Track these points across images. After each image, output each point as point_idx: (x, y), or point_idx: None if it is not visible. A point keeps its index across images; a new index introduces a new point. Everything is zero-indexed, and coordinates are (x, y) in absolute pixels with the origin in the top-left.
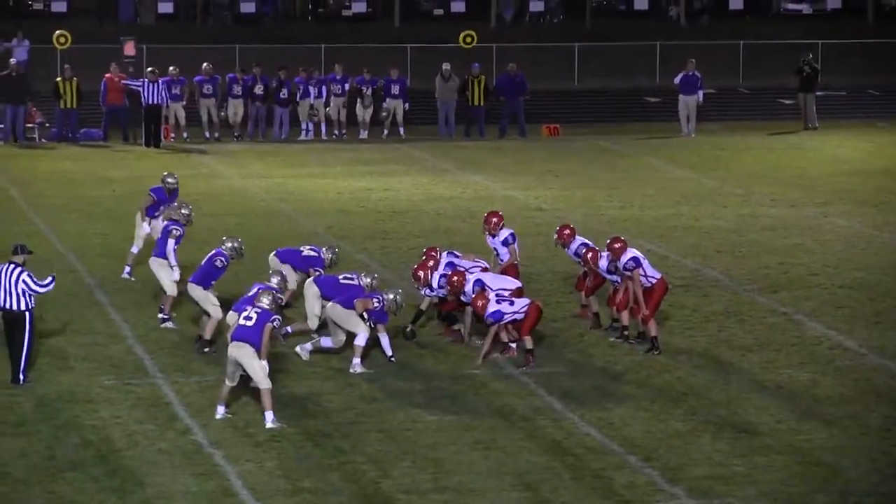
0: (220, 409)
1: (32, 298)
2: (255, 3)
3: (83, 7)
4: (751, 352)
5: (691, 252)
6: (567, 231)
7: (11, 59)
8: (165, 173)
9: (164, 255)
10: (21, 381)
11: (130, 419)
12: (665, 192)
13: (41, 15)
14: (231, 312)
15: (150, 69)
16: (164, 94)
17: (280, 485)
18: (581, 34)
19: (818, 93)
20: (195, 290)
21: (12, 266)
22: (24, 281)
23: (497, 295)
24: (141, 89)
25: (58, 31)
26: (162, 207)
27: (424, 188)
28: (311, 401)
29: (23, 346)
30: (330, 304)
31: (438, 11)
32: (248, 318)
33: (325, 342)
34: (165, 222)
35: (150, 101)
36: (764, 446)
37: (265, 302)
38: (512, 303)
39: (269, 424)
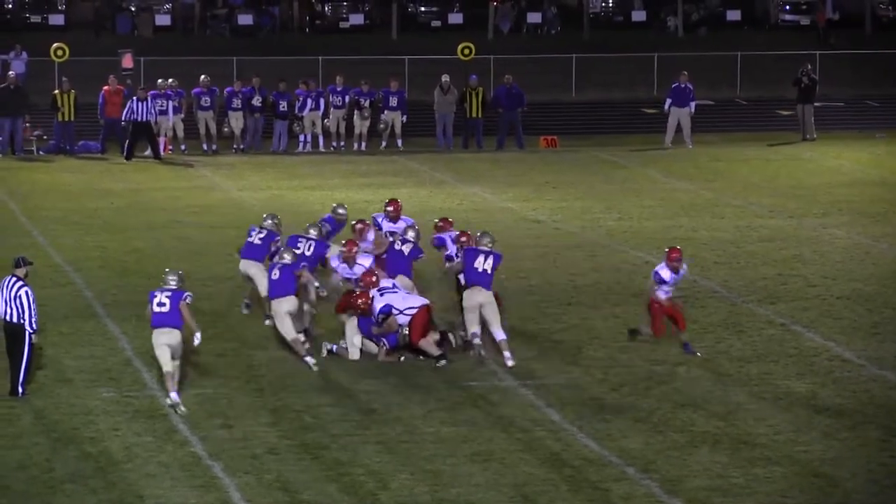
0: (173, 395)
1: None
2: (253, 15)
3: (81, 20)
4: (749, 363)
5: (689, 263)
6: (441, 224)
7: (10, 72)
8: (335, 204)
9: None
10: (20, 394)
11: (129, 431)
12: (663, 203)
13: (39, 27)
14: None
15: (141, 88)
16: (153, 110)
17: (279, 497)
18: (579, 46)
19: (816, 104)
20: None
21: (14, 279)
22: (20, 297)
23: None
24: (131, 106)
25: (55, 44)
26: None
27: (422, 200)
28: (309, 413)
29: (22, 358)
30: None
31: (436, 23)
32: (161, 304)
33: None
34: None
35: (140, 118)
36: (762, 458)
37: (173, 283)
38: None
39: (175, 398)
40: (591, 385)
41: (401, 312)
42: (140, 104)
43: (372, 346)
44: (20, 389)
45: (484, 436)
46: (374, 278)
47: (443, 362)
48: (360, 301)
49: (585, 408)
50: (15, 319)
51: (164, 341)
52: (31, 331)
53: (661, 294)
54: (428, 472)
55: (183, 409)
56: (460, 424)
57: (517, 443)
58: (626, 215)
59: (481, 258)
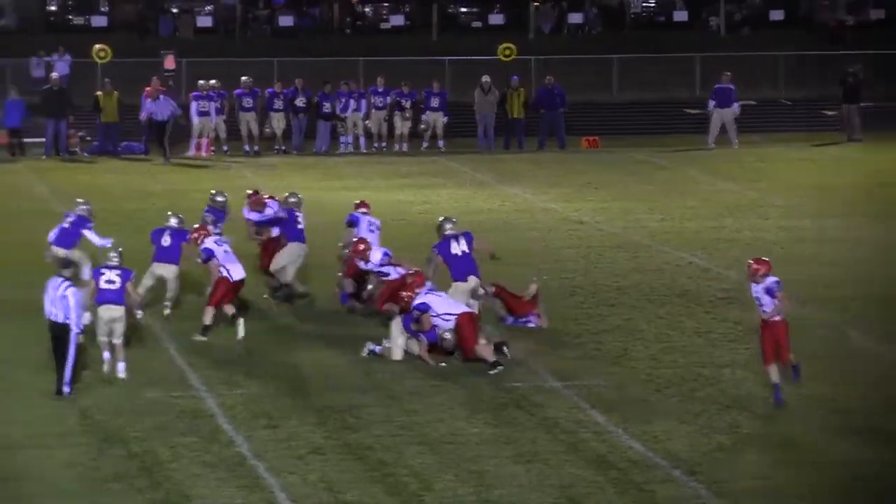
0: (121, 366)
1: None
2: (294, 16)
3: (123, 21)
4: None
5: (734, 264)
6: (255, 196)
7: (53, 74)
8: (213, 192)
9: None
10: (65, 393)
11: (174, 431)
12: (706, 204)
13: (82, 29)
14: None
15: (149, 88)
16: (169, 109)
17: (323, 497)
18: (620, 46)
19: (862, 104)
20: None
21: (61, 280)
22: (66, 297)
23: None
24: (146, 106)
25: (97, 46)
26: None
27: (463, 201)
28: (352, 414)
29: (67, 358)
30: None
31: (477, 24)
32: (110, 281)
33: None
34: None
35: (156, 117)
36: (808, 460)
37: (116, 260)
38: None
39: (121, 374)
40: (636, 386)
41: (438, 315)
42: (152, 104)
43: (415, 346)
44: (66, 389)
45: (528, 437)
46: (420, 279)
47: (499, 369)
48: (404, 294)
49: (630, 409)
50: (60, 319)
51: (111, 316)
52: (77, 331)
53: (762, 312)
54: (472, 472)
55: (123, 375)
56: (504, 425)
57: (561, 444)
58: (669, 216)
59: (454, 243)
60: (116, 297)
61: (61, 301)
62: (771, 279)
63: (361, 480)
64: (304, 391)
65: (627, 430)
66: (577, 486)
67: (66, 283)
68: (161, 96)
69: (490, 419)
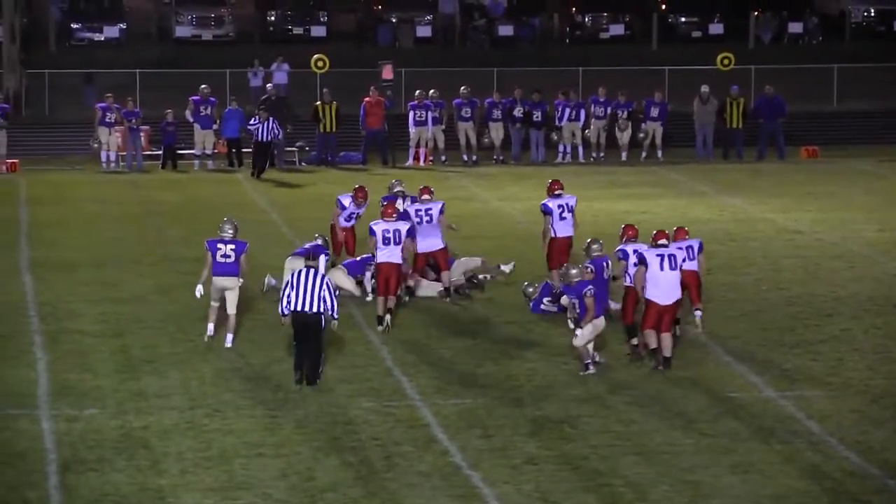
0: (210, 327)
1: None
2: (513, 26)
3: (342, 31)
4: None
5: None
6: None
7: (268, 84)
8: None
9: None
10: (318, 382)
11: (389, 441)
12: None
13: (301, 39)
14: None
15: (262, 107)
16: (274, 131)
17: None
18: (840, 55)
19: None
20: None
21: (314, 271)
22: (327, 285)
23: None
24: (254, 123)
25: (316, 56)
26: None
27: (682, 211)
28: (568, 423)
29: (319, 346)
30: None
31: (696, 34)
32: (226, 255)
33: None
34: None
35: (260, 138)
36: None
37: (231, 233)
38: None
39: (228, 344)
40: (852, 396)
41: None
42: (260, 123)
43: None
44: (318, 374)
45: (743, 447)
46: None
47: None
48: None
49: (846, 419)
50: (315, 309)
51: (224, 286)
52: (336, 317)
53: None
54: (687, 483)
55: (229, 345)
56: (720, 435)
57: (777, 454)
58: (888, 226)
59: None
60: (231, 270)
61: (318, 291)
62: None
63: (576, 490)
64: (517, 401)
65: (843, 440)
66: (792, 497)
67: (319, 274)
68: (270, 118)
69: (706, 429)
